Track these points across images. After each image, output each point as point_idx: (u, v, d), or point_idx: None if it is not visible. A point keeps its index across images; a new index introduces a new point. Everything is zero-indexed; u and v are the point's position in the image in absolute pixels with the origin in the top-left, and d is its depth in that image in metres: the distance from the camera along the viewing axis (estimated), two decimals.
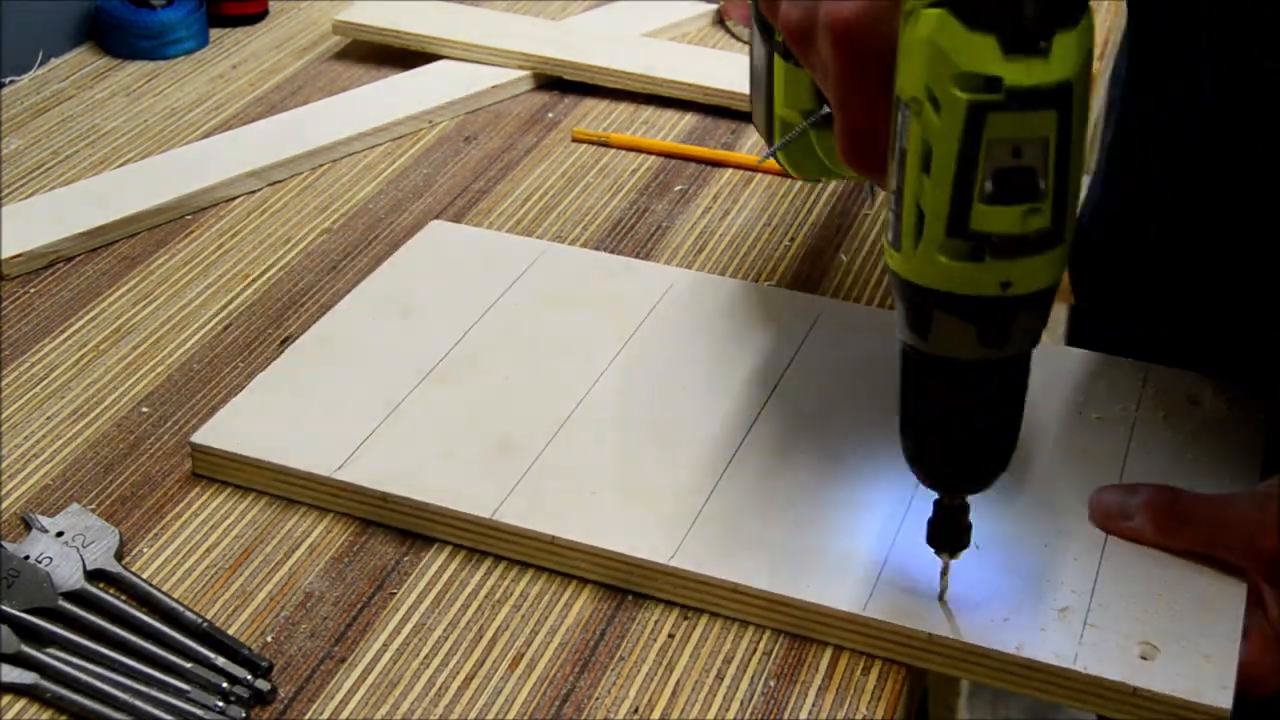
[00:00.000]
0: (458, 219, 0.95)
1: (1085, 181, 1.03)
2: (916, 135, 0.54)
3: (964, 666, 0.63)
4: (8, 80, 1.11)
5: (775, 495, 0.70)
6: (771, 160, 0.77)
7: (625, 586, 0.67)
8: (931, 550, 0.64)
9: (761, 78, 0.75)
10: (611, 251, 0.92)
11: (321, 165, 1.02)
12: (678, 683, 0.63)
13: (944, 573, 0.64)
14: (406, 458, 0.71)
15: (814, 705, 0.62)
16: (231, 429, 0.73)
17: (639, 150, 1.04)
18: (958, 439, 0.60)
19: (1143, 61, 0.84)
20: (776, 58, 0.72)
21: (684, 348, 0.80)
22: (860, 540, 0.68)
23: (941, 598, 0.65)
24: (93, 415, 0.78)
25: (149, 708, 0.61)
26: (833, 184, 0.99)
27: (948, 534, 0.63)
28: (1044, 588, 0.65)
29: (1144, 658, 0.62)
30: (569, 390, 0.76)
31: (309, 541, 0.70)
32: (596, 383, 0.77)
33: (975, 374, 0.58)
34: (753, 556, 0.67)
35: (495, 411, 0.75)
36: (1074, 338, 1.05)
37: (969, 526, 0.63)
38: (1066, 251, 0.56)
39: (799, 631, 0.65)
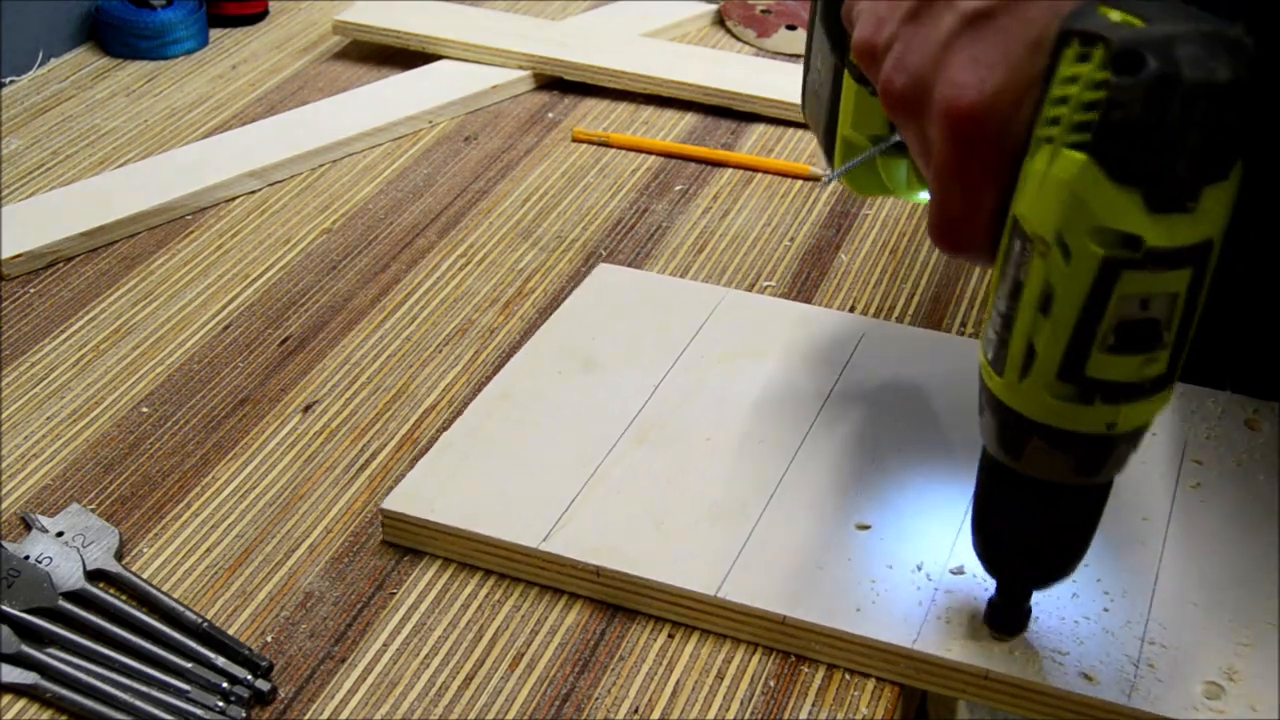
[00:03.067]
0: (458, 219, 0.95)
1: None
2: (1039, 275, 0.52)
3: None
4: (8, 80, 1.11)
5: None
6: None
7: (868, 671, 0.63)
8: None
9: (825, 91, 0.70)
10: (611, 251, 0.92)
11: (321, 165, 1.02)
12: (678, 683, 0.63)
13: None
14: (614, 527, 0.68)
15: (814, 705, 0.62)
16: (423, 494, 0.69)
17: (639, 150, 1.04)
18: (1037, 550, 0.60)
19: None
20: (847, 76, 0.66)
21: (888, 404, 0.75)
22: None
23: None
24: (93, 415, 0.78)
25: (149, 708, 0.61)
26: (832, 184, 0.99)
27: (1010, 620, 0.62)
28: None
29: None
30: (775, 452, 0.72)
31: (309, 541, 0.70)
32: (803, 443, 0.72)
33: (1064, 497, 0.57)
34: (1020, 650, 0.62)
35: (701, 475, 0.71)
36: None
37: (1029, 611, 0.62)
38: (1173, 389, 0.54)
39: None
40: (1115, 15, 0.49)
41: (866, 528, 0.68)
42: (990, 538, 0.61)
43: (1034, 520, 0.59)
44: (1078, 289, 0.50)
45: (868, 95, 0.66)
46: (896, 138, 0.66)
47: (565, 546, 0.67)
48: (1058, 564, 0.60)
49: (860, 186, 0.72)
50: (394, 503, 0.69)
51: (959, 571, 0.65)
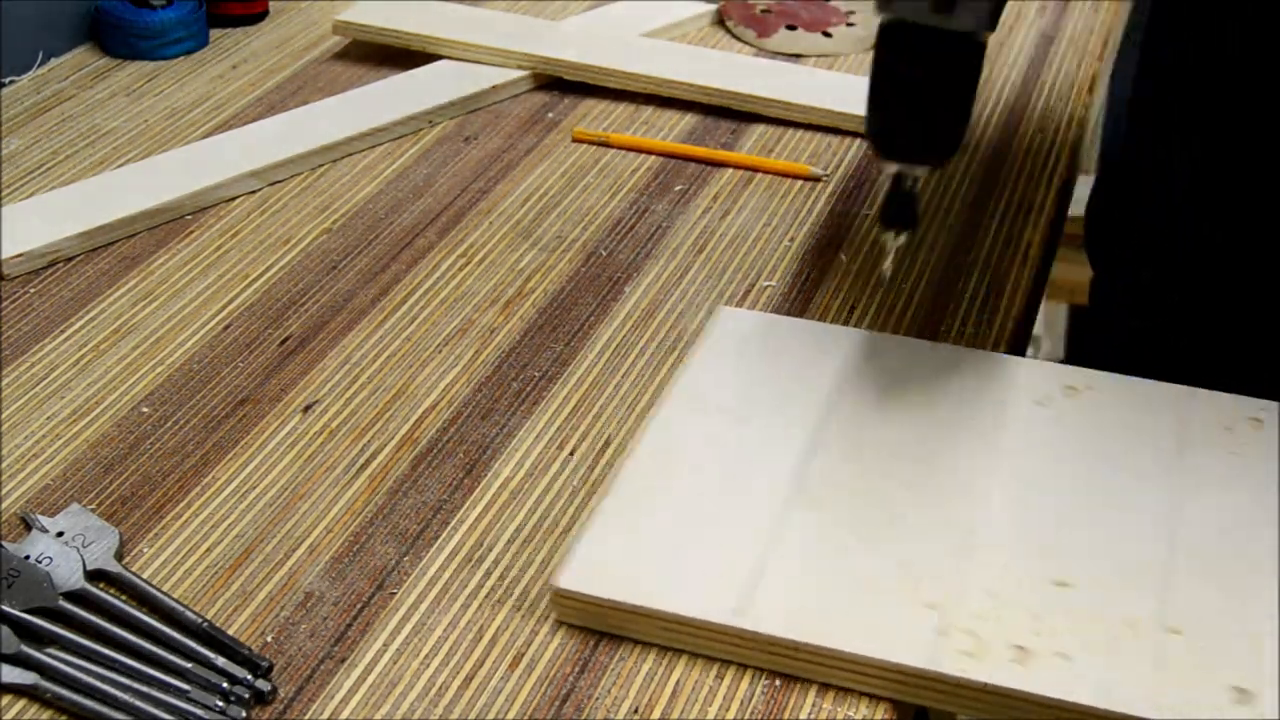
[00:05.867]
0: (458, 219, 0.95)
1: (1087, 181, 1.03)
2: None
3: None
4: (8, 80, 1.11)
5: None
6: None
7: None
8: None
9: None
10: (611, 251, 0.92)
11: (321, 165, 1.02)
12: (678, 683, 0.63)
13: (889, 254, 0.71)
14: (806, 596, 0.64)
15: (814, 705, 0.62)
16: (598, 570, 0.65)
17: (639, 150, 1.04)
18: (907, 103, 0.67)
19: (1165, 14, 0.82)
20: None
21: (1061, 453, 0.72)
22: None
23: (885, 279, 0.68)
24: (93, 415, 0.78)
25: (149, 708, 0.61)
26: (832, 184, 0.99)
27: (894, 212, 0.70)
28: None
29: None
30: (956, 510, 0.69)
31: (309, 541, 0.70)
32: (987, 502, 0.69)
33: (927, 40, 0.65)
34: None
35: (885, 534, 0.67)
36: (1074, 341, 1.05)
37: (916, 210, 0.70)
38: None
39: None
40: None
41: (1066, 585, 0.65)
42: (873, 101, 0.68)
43: (905, 71, 0.67)
44: None
45: None
46: None
47: (760, 621, 0.63)
48: (933, 123, 0.67)
49: None
50: (569, 581, 0.65)
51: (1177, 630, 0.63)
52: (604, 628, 0.65)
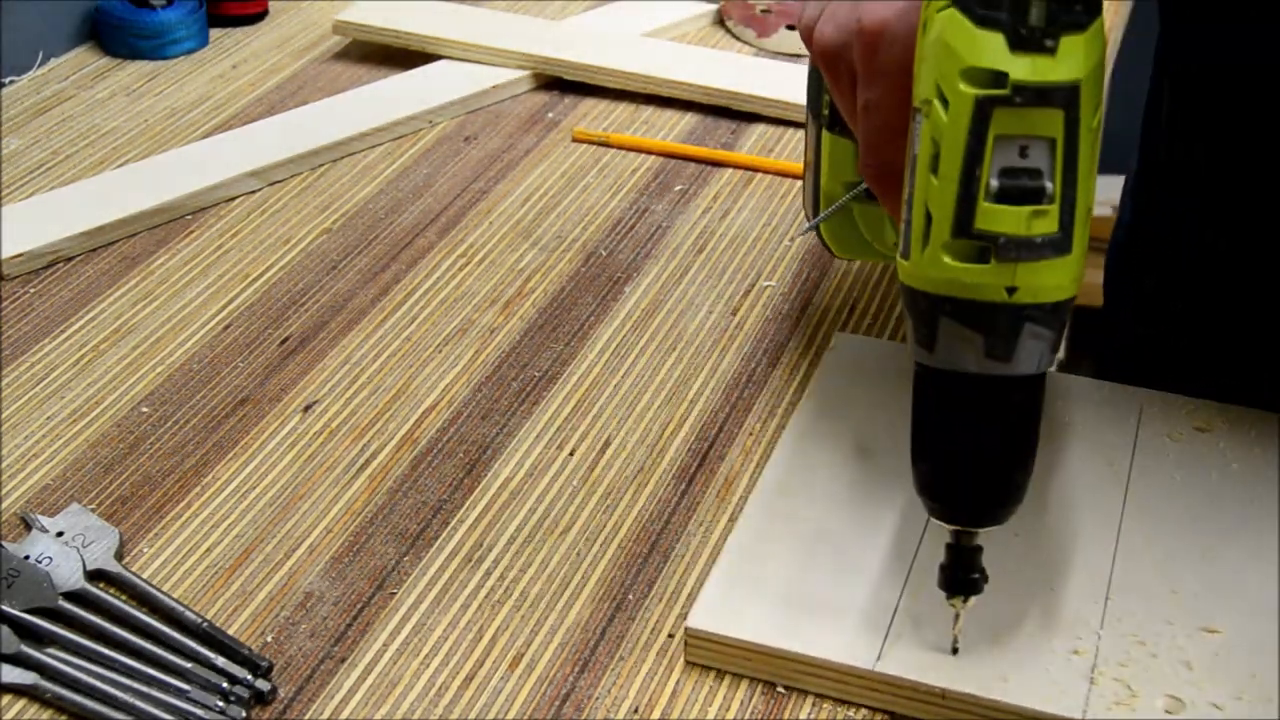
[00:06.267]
0: (458, 219, 0.95)
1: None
2: (926, 136, 0.54)
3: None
4: (8, 80, 1.11)
5: None
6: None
7: None
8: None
9: (810, 157, 0.75)
10: (611, 251, 0.92)
11: (321, 165, 1.02)
12: (678, 683, 0.63)
13: (956, 620, 0.60)
14: (948, 641, 0.61)
15: (814, 705, 0.62)
16: (730, 610, 0.63)
17: (639, 150, 1.04)
18: (965, 463, 0.58)
19: (1172, 23, 0.82)
20: (824, 132, 0.72)
21: (1191, 486, 0.69)
22: None
23: (954, 648, 0.61)
24: (93, 415, 0.78)
25: (149, 708, 0.61)
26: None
27: (959, 577, 0.59)
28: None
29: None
30: (1092, 547, 0.66)
31: (309, 541, 0.70)
32: (1120, 536, 0.66)
33: (983, 390, 0.56)
34: None
35: (1023, 577, 0.64)
36: (1075, 341, 1.05)
37: (982, 570, 0.59)
38: (1078, 268, 0.55)
39: None
40: None
41: (1215, 632, 0.62)
42: (924, 459, 0.59)
43: (960, 427, 0.57)
44: (958, 133, 0.53)
45: (842, 143, 0.71)
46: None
47: (902, 666, 0.60)
48: (994, 482, 0.58)
49: (842, 243, 0.76)
50: (699, 620, 0.63)
51: None
52: (735, 669, 0.63)
